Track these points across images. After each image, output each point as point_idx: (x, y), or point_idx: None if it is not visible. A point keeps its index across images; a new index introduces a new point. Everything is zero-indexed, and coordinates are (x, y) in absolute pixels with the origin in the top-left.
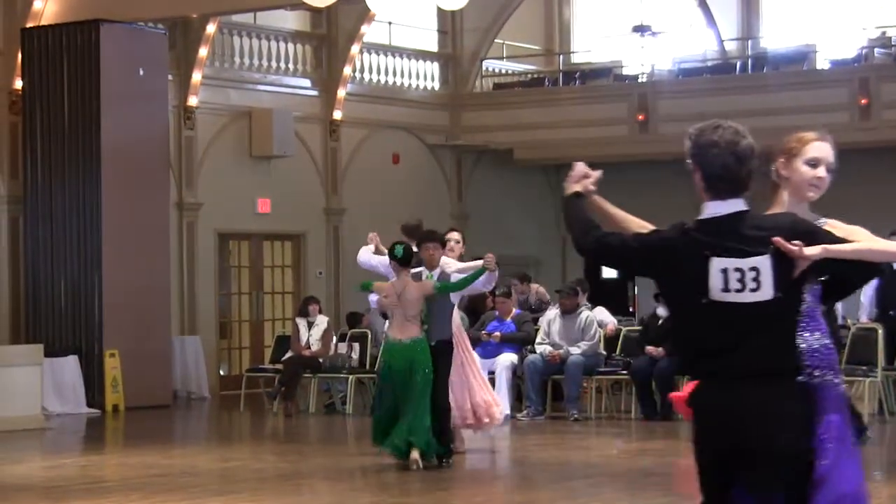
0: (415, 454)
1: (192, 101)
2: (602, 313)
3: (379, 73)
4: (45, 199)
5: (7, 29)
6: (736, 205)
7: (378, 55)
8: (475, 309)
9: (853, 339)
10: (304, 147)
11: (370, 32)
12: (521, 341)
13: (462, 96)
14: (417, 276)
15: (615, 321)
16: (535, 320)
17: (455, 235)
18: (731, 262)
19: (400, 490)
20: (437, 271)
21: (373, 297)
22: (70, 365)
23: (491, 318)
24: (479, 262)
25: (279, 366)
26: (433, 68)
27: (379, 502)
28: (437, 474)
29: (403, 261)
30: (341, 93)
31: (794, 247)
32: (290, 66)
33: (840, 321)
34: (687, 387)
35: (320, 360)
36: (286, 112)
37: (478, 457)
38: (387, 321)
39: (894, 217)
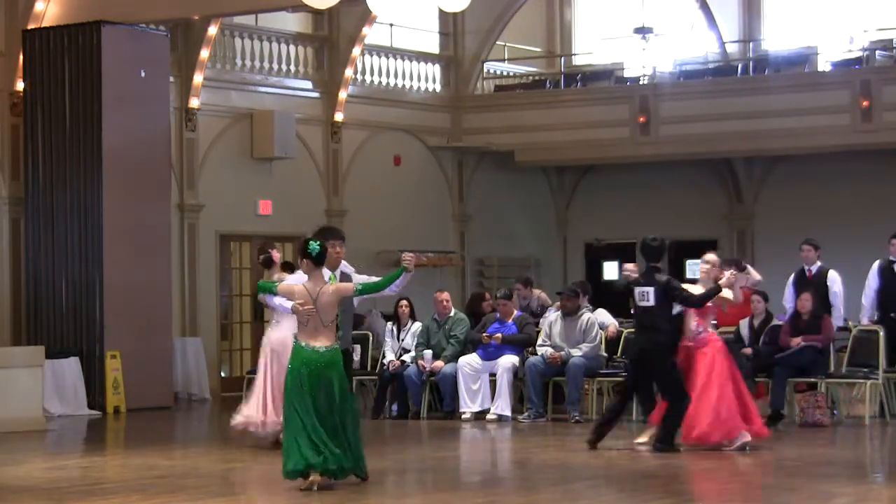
0: (315, 476)
1: (194, 102)
2: (603, 315)
3: (380, 74)
4: (47, 201)
5: (9, 30)
6: None
7: (379, 57)
8: (475, 311)
9: (854, 341)
10: (305, 149)
11: (371, 34)
12: (523, 343)
13: (463, 98)
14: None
15: (616, 323)
16: (537, 324)
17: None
18: None
19: (400, 492)
20: (337, 272)
21: (277, 301)
22: (71, 366)
23: (492, 320)
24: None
25: None
26: (434, 70)
27: None
28: (439, 476)
29: (319, 260)
30: (342, 94)
31: None
32: (292, 67)
33: (841, 323)
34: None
35: None
36: (287, 114)
37: (479, 458)
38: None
39: (895, 218)
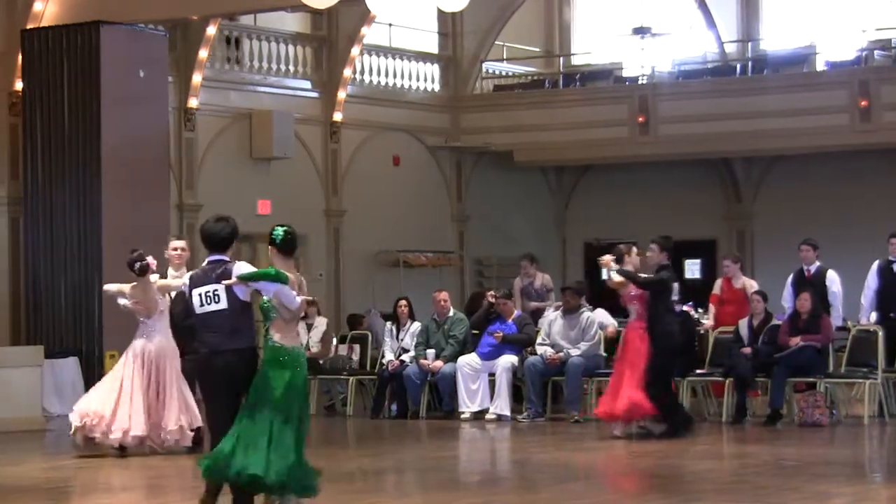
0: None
1: (193, 102)
2: (603, 315)
3: (379, 74)
4: (46, 201)
5: (7, 30)
6: None
7: (378, 57)
8: (474, 310)
9: (853, 341)
10: (304, 149)
11: (370, 34)
12: (523, 343)
13: (462, 98)
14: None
15: (615, 323)
16: (536, 311)
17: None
18: None
19: (399, 492)
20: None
21: (286, 292)
22: (70, 366)
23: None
24: None
25: None
26: (433, 70)
27: None
28: (438, 476)
29: (288, 248)
30: (341, 94)
31: None
32: (291, 67)
33: (840, 323)
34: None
35: (320, 361)
36: (286, 114)
37: (478, 458)
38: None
39: (894, 218)
